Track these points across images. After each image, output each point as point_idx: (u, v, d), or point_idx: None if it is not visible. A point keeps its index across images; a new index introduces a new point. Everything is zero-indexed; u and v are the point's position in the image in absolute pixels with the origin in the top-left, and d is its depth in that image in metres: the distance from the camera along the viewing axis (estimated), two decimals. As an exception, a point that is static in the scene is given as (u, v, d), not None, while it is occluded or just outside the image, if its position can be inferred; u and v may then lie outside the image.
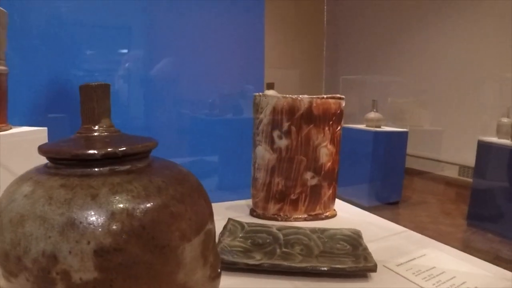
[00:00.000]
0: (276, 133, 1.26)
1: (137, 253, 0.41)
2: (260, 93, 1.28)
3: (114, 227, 0.40)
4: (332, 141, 1.27)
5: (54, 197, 0.42)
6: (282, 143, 1.26)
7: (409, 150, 7.99)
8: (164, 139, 1.50)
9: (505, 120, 4.76)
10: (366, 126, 5.39)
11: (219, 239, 1.03)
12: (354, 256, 0.93)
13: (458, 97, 7.27)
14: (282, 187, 1.30)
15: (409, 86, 6.44)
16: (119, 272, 0.40)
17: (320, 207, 1.31)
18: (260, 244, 1.04)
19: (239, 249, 0.98)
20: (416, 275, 0.90)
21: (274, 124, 1.26)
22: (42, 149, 0.48)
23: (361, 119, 5.56)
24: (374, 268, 0.85)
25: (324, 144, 1.26)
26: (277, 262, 0.87)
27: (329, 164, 1.29)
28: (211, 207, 0.58)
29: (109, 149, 0.46)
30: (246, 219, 1.30)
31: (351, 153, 5.39)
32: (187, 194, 0.48)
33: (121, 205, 0.42)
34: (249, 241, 1.05)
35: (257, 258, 0.92)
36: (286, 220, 1.29)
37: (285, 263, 0.86)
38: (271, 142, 1.27)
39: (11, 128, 0.96)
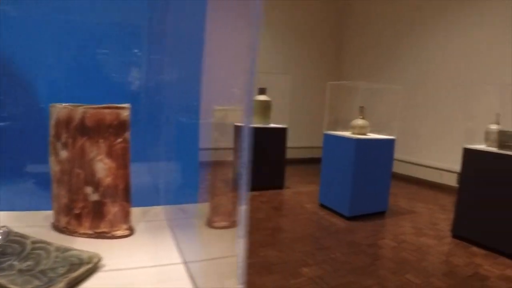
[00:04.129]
0: (59, 145, 1.19)
1: None
2: (53, 104, 1.19)
3: None
4: (109, 154, 1.14)
5: None
6: (64, 154, 1.19)
7: (407, 157, 8.18)
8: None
9: (493, 127, 4.58)
10: (352, 133, 5.26)
11: None
12: (50, 280, 0.90)
13: (450, 103, 7.33)
14: (67, 200, 1.21)
15: (403, 93, 6.35)
16: None
17: (105, 225, 1.19)
18: (3, 253, 1.02)
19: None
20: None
21: (57, 135, 1.19)
22: None
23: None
24: None
25: (99, 158, 1.14)
26: None
27: (108, 179, 1.16)
28: None
29: None
30: (47, 229, 1.26)
31: (333, 161, 5.29)
32: None
33: None
34: (-1, 249, 1.05)
35: None
36: (72, 235, 1.21)
37: None
38: (56, 154, 1.21)
39: None
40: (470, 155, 4.53)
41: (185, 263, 1.06)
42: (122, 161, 1.17)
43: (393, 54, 8.88)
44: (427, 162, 7.95)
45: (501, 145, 4.29)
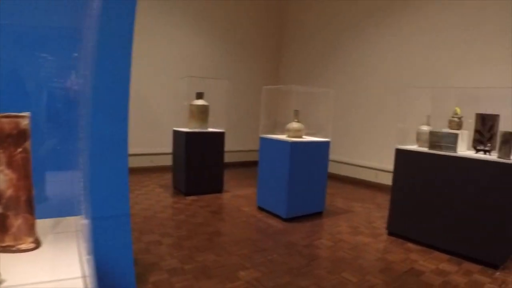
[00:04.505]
0: (-37, 155, 1.12)
1: None
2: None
3: None
4: (9, 165, 1.09)
5: None
6: (-33, 165, 1.12)
7: (343, 158, 8.36)
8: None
9: (424, 128, 4.71)
10: (288, 136, 5.29)
11: None
12: None
13: (384, 106, 7.52)
14: (-31, 213, 1.15)
15: (336, 96, 6.46)
16: None
17: (9, 238, 1.14)
18: None
19: None
20: None
21: (-41, 145, 1.11)
22: None
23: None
24: None
25: (0, 169, 1.10)
26: None
27: (9, 191, 1.10)
28: None
29: None
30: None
31: (269, 164, 5.30)
32: None
33: None
34: None
35: None
36: (-20, 249, 1.15)
37: None
38: (-39, 164, 1.14)
39: None
40: (401, 155, 4.65)
41: (84, 277, 1.02)
42: (23, 171, 1.12)
43: (330, 58, 9.04)
44: (363, 162, 8.12)
45: (431, 145, 4.41)
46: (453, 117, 4.54)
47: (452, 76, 6.58)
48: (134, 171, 7.84)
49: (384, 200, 6.35)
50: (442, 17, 6.80)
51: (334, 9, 8.92)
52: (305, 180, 5.17)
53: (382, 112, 7.73)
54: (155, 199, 5.87)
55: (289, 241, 4.41)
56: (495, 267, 3.92)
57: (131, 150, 7.70)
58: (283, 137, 5.27)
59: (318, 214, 5.48)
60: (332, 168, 8.27)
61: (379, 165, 7.63)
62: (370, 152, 7.99)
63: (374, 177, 7.81)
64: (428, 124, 4.77)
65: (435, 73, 6.87)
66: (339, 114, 8.43)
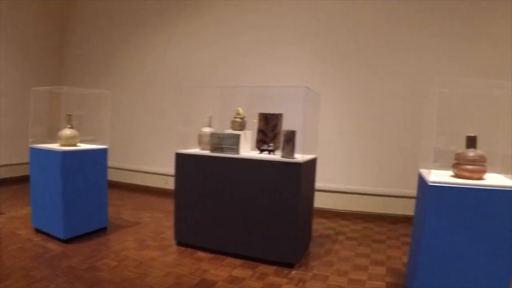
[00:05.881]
0: None
1: None
2: None
3: None
4: None
5: None
6: None
7: (131, 165, 8.08)
8: None
9: (206, 130, 4.60)
10: (60, 145, 4.75)
11: None
12: None
13: (170, 108, 7.43)
14: None
15: (112, 98, 6.03)
16: None
17: None
18: None
19: None
20: None
21: None
22: None
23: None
24: None
25: None
26: None
27: None
28: None
29: None
30: None
31: (41, 178, 4.76)
32: None
33: None
34: None
35: None
36: None
37: None
38: None
39: None
40: (181, 160, 4.53)
41: None
42: None
43: (114, 59, 8.70)
44: (152, 168, 7.90)
45: (213, 148, 4.35)
46: (235, 117, 4.53)
47: (241, 77, 6.67)
48: None
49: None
50: (231, 17, 6.88)
51: (118, 9, 8.60)
52: (82, 193, 4.72)
53: (167, 115, 7.59)
54: None
55: (68, 265, 3.95)
56: (291, 266, 3.97)
57: None
58: (55, 146, 4.74)
59: (102, 230, 5.08)
60: (119, 177, 7.91)
61: (168, 170, 7.42)
62: (157, 157, 7.80)
63: (164, 183, 7.59)
64: (210, 126, 4.68)
65: (221, 74, 6.95)
66: (123, 118, 8.09)
